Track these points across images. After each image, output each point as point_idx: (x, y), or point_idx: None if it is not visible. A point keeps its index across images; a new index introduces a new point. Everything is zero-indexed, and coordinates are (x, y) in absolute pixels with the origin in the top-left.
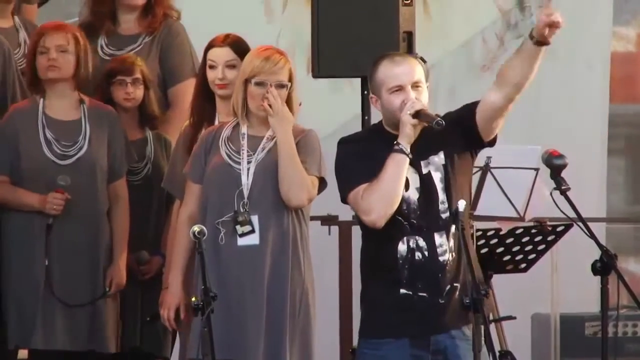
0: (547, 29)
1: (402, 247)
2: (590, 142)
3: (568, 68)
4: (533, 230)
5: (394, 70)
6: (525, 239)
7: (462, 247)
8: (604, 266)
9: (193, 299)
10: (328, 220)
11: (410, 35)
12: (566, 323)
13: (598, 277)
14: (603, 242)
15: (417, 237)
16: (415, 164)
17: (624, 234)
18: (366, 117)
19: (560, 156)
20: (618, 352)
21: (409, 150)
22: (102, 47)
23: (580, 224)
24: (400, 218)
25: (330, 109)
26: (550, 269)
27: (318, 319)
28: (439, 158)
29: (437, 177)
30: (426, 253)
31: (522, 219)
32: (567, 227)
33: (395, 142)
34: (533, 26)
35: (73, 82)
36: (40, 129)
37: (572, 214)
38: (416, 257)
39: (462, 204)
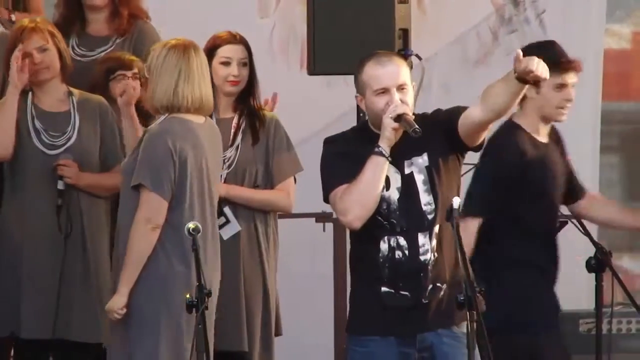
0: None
1: (383, 246)
2: (582, 140)
3: None
4: None
5: (379, 72)
6: None
7: (457, 244)
8: (599, 263)
9: (187, 295)
10: (322, 217)
11: (406, 33)
12: (560, 320)
13: (592, 274)
14: (596, 239)
15: (398, 236)
16: (397, 164)
17: (618, 232)
18: (361, 114)
19: None
20: (612, 349)
21: (388, 153)
22: (73, 48)
23: (574, 221)
24: (380, 218)
25: (324, 103)
26: None
27: (312, 315)
28: (423, 159)
29: (419, 178)
30: (406, 252)
31: None
32: (562, 224)
33: (375, 145)
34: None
35: (60, 75)
36: (29, 119)
37: (567, 212)
38: (396, 256)
39: (456, 202)
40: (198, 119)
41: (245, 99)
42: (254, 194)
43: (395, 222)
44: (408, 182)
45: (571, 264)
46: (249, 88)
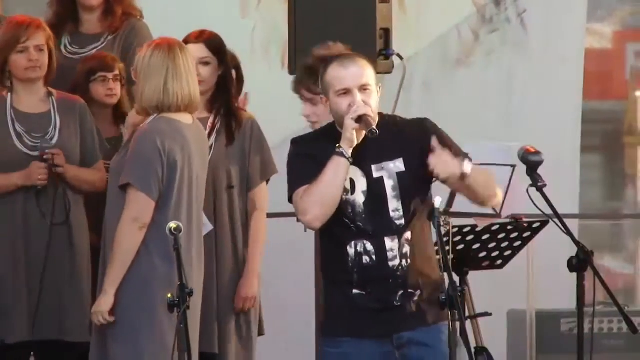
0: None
1: (350, 251)
2: (563, 139)
3: (542, 64)
4: (509, 227)
5: (341, 73)
6: (501, 236)
7: (439, 243)
8: (580, 263)
9: (169, 295)
10: None
11: (387, 32)
12: (542, 319)
13: (574, 274)
14: (577, 238)
15: (364, 241)
16: (364, 168)
17: (600, 230)
18: None
19: (536, 153)
20: (594, 349)
21: (349, 154)
22: (65, 46)
23: (556, 220)
24: (346, 221)
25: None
26: (526, 266)
27: (294, 315)
28: (395, 165)
29: (389, 184)
30: (374, 257)
31: (498, 215)
32: (543, 224)
33: (337, 145)
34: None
35: (44, 79)
36: (9, 123)
37: (548, 211)
38: (364, 261)
39: (438, 201)
40: (186, 119)
41: (221, 98)
42: (260, 246)
43: (361, 225)
44: (375, 186)
45: (552, 263)
46: (224, 87)
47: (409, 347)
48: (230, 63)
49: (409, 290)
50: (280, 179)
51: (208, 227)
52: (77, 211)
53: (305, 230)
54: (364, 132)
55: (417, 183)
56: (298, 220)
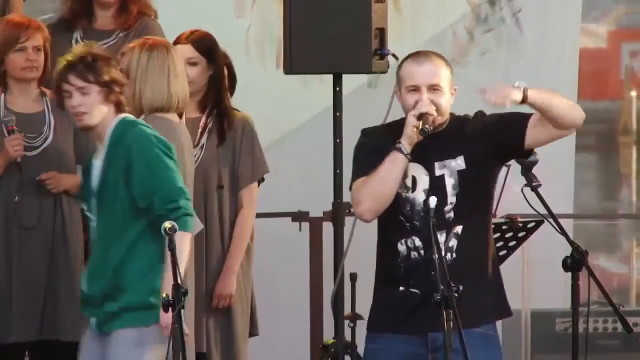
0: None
1: (401, 248)
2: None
3: (537, 64)
4: (504, 227)
5: (414, 70)
6: (496, 235)
7: (434, 243)
8: (575, 262)
9: (164, 295)
10: (299, 216)
11: (382, 32)
12: (537, 319)
13: (569, 273)
14: (572, 238)
15: (414, 237)
16: (428, 166)
17: (594, 230)
18: (337, 114)
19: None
20: (588, 348)
21: (408, 150)
22: (76, 41)
23: (551, 220)
24: (402, 219)
25: (300, 102)
26: (521, 265)
27: (289, 315)
28: (456, 163)
29: (449, 182)
30: (422, 252)
31: (493, 215)
32: (538, 224)
33: (397, 141)
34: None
35: (39, 79)
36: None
37: (543, 211)
38: (412, 256)
39: (433, 201)
40: (175, 118)
41: (212, 98)
42: (241, 245)
43: (417, 224)
44: (437, 185)
45: (547, 263)
46: (215, 87)
47: (441, 352)
48: (221, 62)
49: (452, 285)
50: (275, 179)
51: (199, 226)
52: (72, 211)
53: (300, 230)
54: None
55: (478, 180)
56: (293, 220)
